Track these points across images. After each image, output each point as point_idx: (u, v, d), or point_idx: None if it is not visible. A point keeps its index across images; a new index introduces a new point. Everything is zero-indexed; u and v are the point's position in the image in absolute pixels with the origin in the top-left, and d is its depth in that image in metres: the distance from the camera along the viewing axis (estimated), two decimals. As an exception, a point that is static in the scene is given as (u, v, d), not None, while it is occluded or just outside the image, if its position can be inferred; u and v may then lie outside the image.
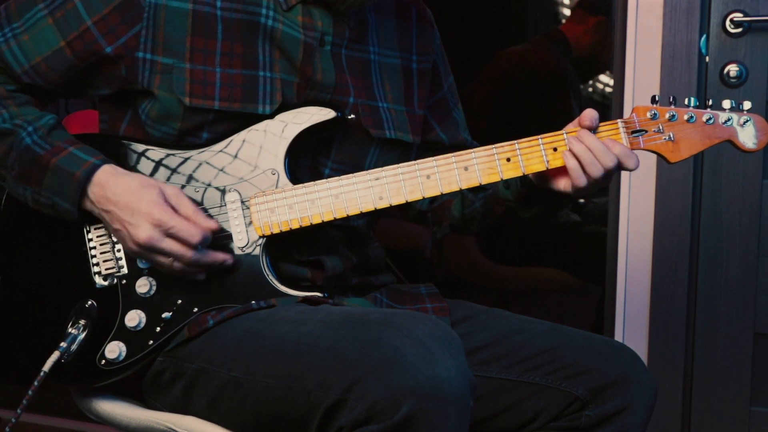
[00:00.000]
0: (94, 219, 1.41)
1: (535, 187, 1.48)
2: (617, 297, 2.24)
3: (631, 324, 2.23)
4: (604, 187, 1.43)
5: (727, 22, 2.08)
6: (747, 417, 2.18)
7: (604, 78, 3.60)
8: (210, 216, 1.40)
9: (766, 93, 2.08)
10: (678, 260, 2.16)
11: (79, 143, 1.40)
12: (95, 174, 1.36)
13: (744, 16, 2.07)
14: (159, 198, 1.35)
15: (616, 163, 1.38)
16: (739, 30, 2.08)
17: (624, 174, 2.20)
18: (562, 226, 3.15)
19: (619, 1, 2.22)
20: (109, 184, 1.36)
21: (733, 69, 2.08)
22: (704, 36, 2.10)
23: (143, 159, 1.43)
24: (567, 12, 3.85)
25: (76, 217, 1.39)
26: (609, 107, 2.89)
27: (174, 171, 1.42)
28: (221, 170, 1.42)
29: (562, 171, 1.41)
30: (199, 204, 1.41)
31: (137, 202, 1.34)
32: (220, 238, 1.40)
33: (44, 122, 1.40)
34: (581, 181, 1.38)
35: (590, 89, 3.73)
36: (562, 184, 1.42)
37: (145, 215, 1.34)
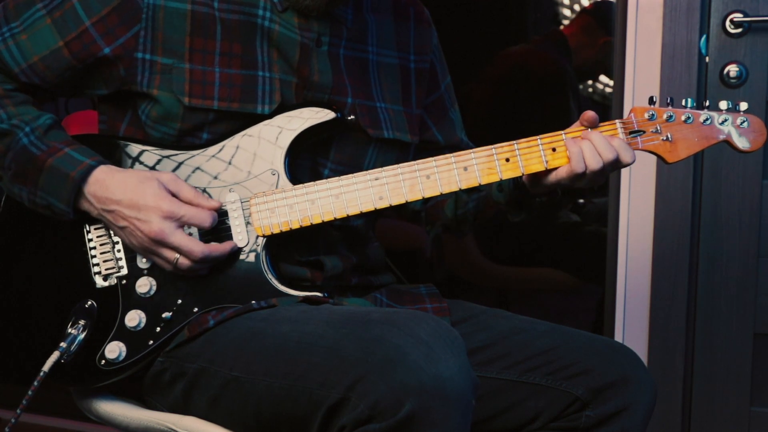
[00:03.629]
0: (93, 219, 1.41)
1: (527, 192, 1.48)
2: (617, 297, 2.24)
3: (631, 324, 2.23)
4: (599, 184, 1.43)
5: (727, 23, 2.08)
6: (747, 417, 2.18)
7: (603, 78, 3.59)
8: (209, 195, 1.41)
9: (766, 93, 2.08)
10: (678, 260, 2.16)
11: (75, 144, 1.40)
12: (91, 174, 1.36)
13: (744, 17, 2.07)
14: (161, 190, 1.36)
15: (615, 156, 1.38)
16: (739, 30, 2.08)
17: (624, 174, 2.20)
18: (562, 226, 3.15)
19: (619, 1, 2.22)
20: (106, 183, 1.36)
21: (733, 69, 2.08)
22: (704, 36, 2.10)
23: (142, 160, 1.43)
24: (567, 12, 3.85)
25: (71, 218, 1.39)
26: (609, 107, 2.89)
27: (173, 172, 1.42)
28: (221, 170, 1.42)
29: (558, 170, 1.42)
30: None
31: (142, 198, 1.34)
32: (220, 238, 1.40)
33: (41, 122, 1.40)
34: (579, 167, 1.38)
35: (590, 89, 3.73)
36: (558, 177, 1.42)
37: (153, 209, 1.34)
